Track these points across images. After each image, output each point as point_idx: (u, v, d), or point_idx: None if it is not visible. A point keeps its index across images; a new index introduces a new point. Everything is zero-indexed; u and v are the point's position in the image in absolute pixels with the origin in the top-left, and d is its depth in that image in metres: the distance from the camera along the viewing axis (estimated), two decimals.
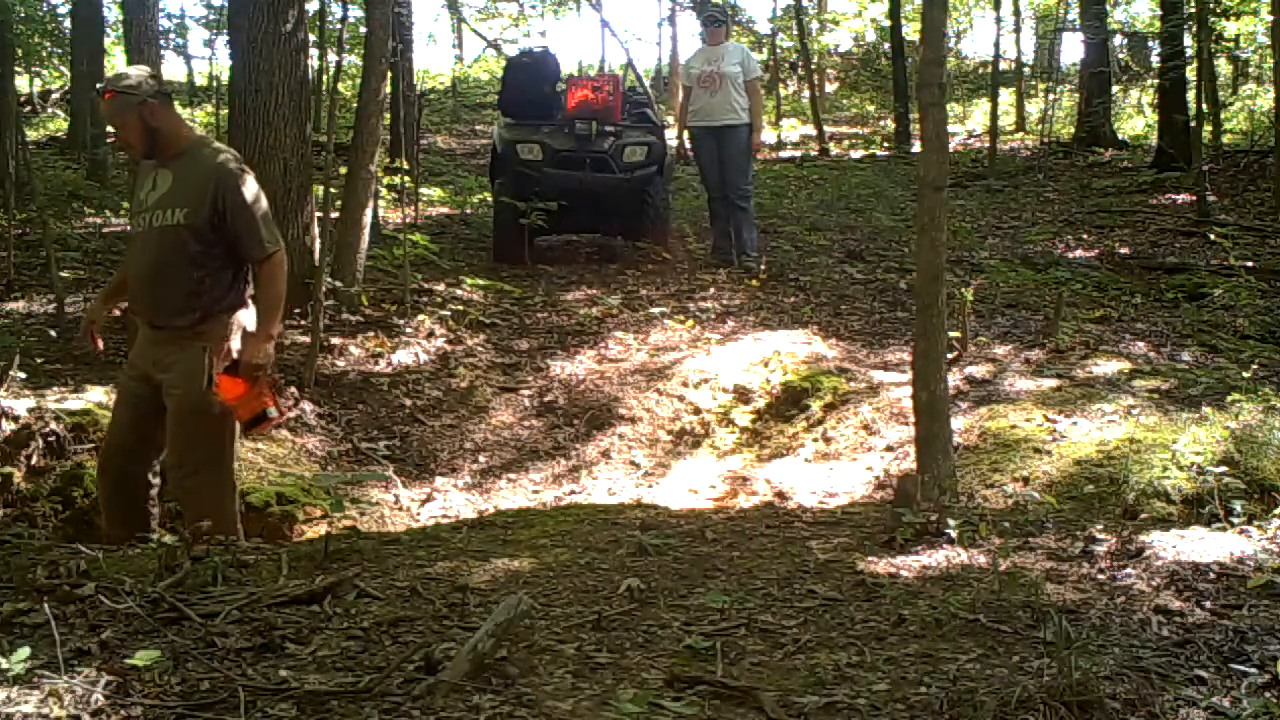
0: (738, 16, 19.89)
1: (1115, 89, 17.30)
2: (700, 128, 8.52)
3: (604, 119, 8.49)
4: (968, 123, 18.88)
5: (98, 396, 5.17)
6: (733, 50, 8.64)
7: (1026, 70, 20.22)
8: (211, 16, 16.65)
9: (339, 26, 11.03)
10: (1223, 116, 13.30)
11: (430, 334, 6.85)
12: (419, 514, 5.25)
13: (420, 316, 7.00)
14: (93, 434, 4.91)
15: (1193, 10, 12.07)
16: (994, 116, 14.46)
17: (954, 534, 3.23)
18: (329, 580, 2.90)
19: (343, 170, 7.88)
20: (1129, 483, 4.07)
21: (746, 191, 8.59)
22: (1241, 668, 2.44)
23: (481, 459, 5.88)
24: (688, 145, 8.77)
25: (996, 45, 18.97)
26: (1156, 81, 14.54)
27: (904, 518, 3.29)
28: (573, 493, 5.60)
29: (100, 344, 4.12)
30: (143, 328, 4.02)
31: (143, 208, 3.90)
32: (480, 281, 7.76)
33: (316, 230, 6.80)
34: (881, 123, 19.47)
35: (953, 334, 5.77)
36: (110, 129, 3.99)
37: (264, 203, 3.89)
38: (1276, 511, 3.43)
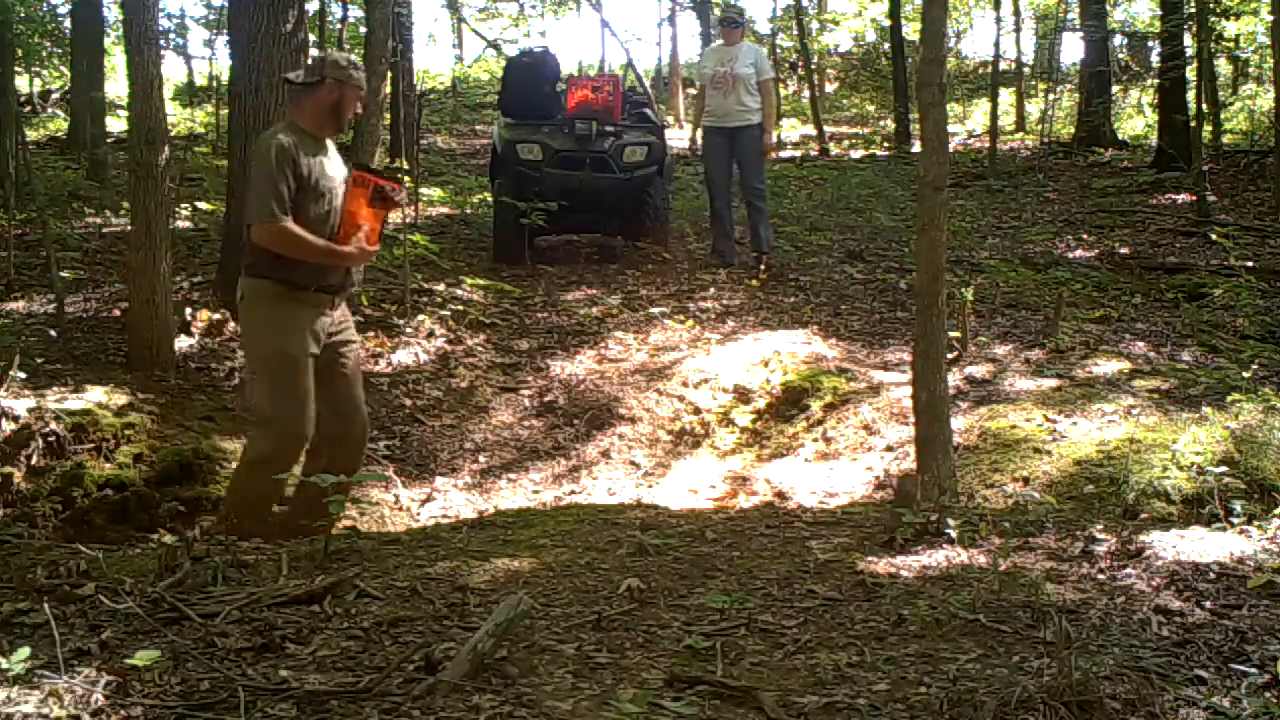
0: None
1: (1115, 89, 17.31)
2: (713, 128, 8.54)
3: (604, 119, 8.50)
4: (968, 123, 18.89)
5: (98, 396, 5.17)
6: (747, 51, 8.67)
7: (1026, 70, 20.23)
8: (211, 16, 16.69)
9: (339, 26, 11.04)
10: (1223, 116, 13.32)
11: (430, 334, 6.85)
12: (419, 514, 5.25)
13: (420, 316, 7.00)
14: (93, 434, 4.91)
15: (1193, 10, 12.07)
16: (994, 116, 14.46)
17: (954, 534, 3.23)
18: (329, 580, 2.90)
19: None
20: (1129, 483, 4.07)
21: (762, 190, 8.69)
22: (1241, 668, 2.44)
23: (481, 459, 5.88)
24: (698, 142, 8.81)
25: (996, 45, 18.99)
26: (1156, 81, 14.55)
27: (904, 518, 3.29)
28: (573, 493, 5.60)
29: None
30: (324, 303, 4.22)
31: (335, 183, 4.18)
32: (480, 281, 7.75)
33: None
34: (881, 123, 19.48)
35: (953, 334, 5.77)
36: (343, 108, 4.25)
37: None
38: (1276, 511, 3.44)
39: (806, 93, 19.00)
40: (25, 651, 2.30)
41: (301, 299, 4.15)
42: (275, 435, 4.16)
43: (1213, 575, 2.94)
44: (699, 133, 8.74)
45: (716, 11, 17.55)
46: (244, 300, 4.23)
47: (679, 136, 17.17)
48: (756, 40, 20.74)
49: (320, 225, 4.13)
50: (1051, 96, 17.10)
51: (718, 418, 6.12)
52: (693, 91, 19.65)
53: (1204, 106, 11.17)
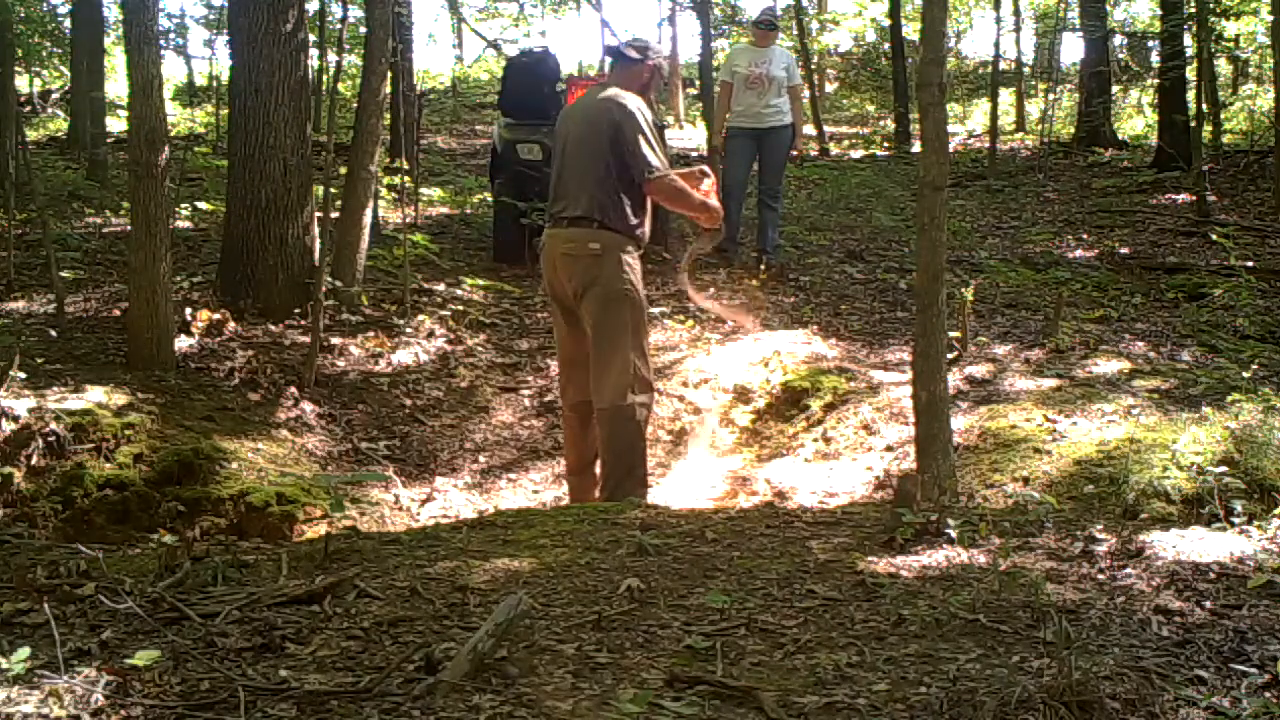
0: (737, 17, 19.89)
1: (1115, 89, 17.30)
2: (742, 128, 8.56)
3: None
4: (968, 123, 18.89)
5: (98, 396, 5.17)
6: (780, 54, 8.75)
7: (1026, 70, 20.23)
8: (211, 16, 16.70)
9: (339, 26, 11.04)
10: (1223, 116, 13.31)
11: (430, 334, 6.85)
12: (419, 514, 5.25)
13: (420, 316, 7.00)
14: (93, 434, 4.91)
15: (1193, 10, 12.07)
16: (994, 116, 14.46)
17: (954, 534, 3.23)
18: (329, 580, 2.90)
19: (343, 170, 7.88)
20: (1129, 483, 4.07)
21: (779, 191, 8.81)
22: (1241, 668, 2.43)
23: (481, 459, 5.88)
24: (716, 142, 8.85)
25: (996, 45, 19.00)
26: (1156, 81, 14.55)
27: (904, 518, 3.29)
28: None
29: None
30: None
31: None
32: (480, 281, 7.75)
33: (316, 230, 6.80)
34: (881, 123, 19.48)
35: (953, 334, 5.77)
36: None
37: None
38: (1276, 511, 3.44)
39: (806, 93, 18.99)
40: (25, 651, 2.30)
41: (639, 258, 4.51)
42: (649, 392, 4.47)
43: (1213, 575, 2.94)
44: (722, 133, 8.76)
45: (718, 11, 17.55)
46: (606, 254, 4.43)
47: (679, 136, 17.20)
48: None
49: None
50: (1051, 96, 17.11)
51: (718, 418, 6.12)
52: (693, 92, 19.66)
53: (1204, 106, 11.17)
